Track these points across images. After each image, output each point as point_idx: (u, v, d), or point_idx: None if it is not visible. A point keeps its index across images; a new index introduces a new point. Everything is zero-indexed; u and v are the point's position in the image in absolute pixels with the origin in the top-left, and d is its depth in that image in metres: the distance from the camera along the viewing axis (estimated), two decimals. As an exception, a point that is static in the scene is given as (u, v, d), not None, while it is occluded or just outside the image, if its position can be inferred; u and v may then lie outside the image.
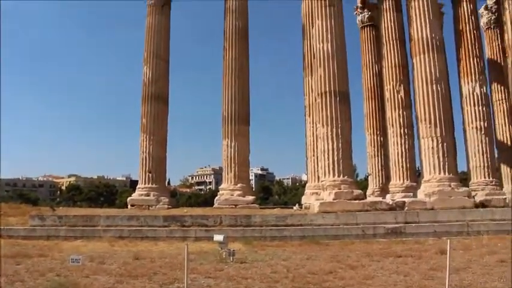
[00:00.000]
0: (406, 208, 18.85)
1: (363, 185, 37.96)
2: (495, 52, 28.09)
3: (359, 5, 30.02)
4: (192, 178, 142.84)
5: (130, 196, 24.22)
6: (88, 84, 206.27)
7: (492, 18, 28.73)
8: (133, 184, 56.93)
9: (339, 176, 19.41)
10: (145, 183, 23.60)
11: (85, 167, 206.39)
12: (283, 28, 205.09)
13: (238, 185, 22.99)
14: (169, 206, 23.08)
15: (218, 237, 12.67)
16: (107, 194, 77.33)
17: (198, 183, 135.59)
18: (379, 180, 26.97)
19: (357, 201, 18.88)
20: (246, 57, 24.72)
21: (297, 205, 23.62)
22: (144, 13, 25.46)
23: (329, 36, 20.48)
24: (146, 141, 23.88)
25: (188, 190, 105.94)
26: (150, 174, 23.59)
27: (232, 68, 23.96)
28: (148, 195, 23.16)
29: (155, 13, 24.99)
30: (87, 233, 17.65)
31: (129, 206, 23.35)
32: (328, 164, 19.61)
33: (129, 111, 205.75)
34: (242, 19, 24.84)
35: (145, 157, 23.77)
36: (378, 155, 27.26)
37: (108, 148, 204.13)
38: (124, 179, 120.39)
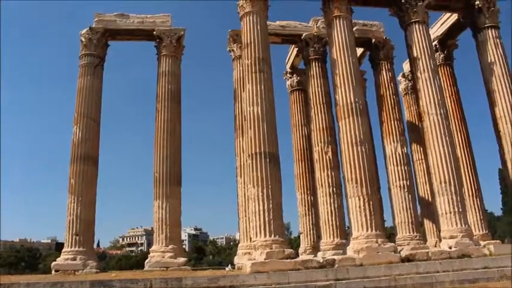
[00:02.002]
0: (337, 265, 19.16)
1: (297, 243, 38.41)
2: (413, 115, 30.28)
3: (288, 70, 31.64)
4: (123, 239, 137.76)
5: (55, 260, 22.98)
6: (10, 144, 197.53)
7: (409, 85, 31.17)
8: (59, 247, 53.98)
9: (270, 236, 19.53)
10: (71, 247, 22.52)
11: (6, 230, 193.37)
12: (215, 91, 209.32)
13: (170, 247, 22.51)
14: (98, 270, 22.04)
15: (147, 303, 12.33)
16: (29, 258, 72.62)
17: (130, 245, 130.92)
18: (310, 239, 27.45)
19: (288, 260, 19.00)
20: (178, 120, 25.00)
21: (229, 265, 23.46)
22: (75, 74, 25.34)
23: (259, 99, 21.22)
24: (74, 202, 23.02)
25: (119, 252, 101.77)
26: (78, 237, 22.62)
27: (164, 129, 24.08)
28: (74, 259, 22.08)
29: (87, 74, 24.89)
30: (4, 304, 16.48)
31: (53, 272, 22.03)
32: (260, 224, 19.76)
33: (56, 171, 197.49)
34: (175, 82, 25.30)
35: (73, 219, 22.82)
36: (309, 214, 27.84)
37: (33, 209, 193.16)
38: (49, 241, 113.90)
